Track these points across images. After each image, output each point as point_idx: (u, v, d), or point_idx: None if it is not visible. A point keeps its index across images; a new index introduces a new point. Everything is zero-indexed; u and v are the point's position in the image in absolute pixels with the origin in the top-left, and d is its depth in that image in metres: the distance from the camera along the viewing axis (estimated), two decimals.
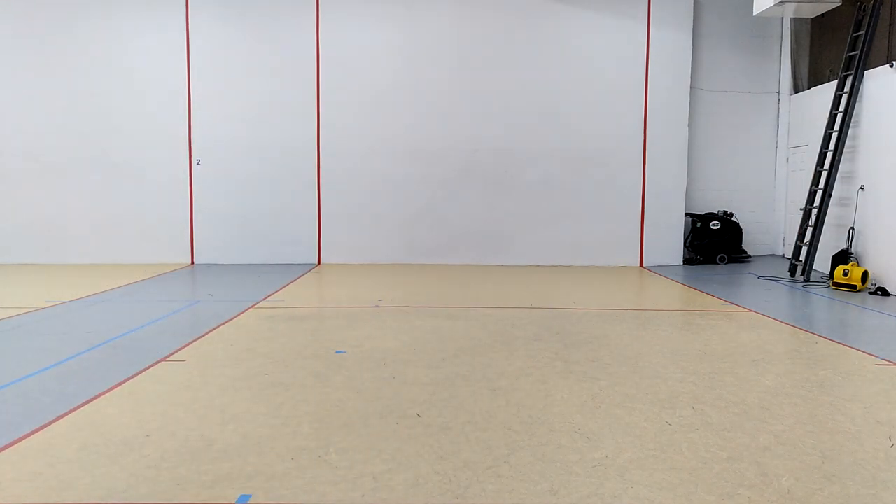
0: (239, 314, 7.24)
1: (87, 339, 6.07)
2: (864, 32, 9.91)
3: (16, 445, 3.61)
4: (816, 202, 10.41)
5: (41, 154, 11.85)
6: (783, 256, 12.63)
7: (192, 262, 11.87)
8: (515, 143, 12.04)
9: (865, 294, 8.92)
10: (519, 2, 11.93)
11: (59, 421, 3.97)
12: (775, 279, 10.27)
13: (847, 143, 10.05)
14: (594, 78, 11.97)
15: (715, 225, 12.20)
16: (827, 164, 10.30)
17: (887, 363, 5.40)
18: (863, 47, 9.89)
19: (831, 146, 10.28)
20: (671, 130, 12.10)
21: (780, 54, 12.76)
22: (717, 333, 6.49)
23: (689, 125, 12.24)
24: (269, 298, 8.28)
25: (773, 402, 4.38)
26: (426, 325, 6.80)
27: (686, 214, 12.38)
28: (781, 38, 12.72)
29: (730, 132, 12.76)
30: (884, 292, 8.82)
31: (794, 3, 10.22)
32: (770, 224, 13.06)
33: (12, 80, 11.77)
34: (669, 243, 12.20)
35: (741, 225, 12.46)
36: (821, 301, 8.58)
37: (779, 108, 12.84)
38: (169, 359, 5.40)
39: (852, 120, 9.99)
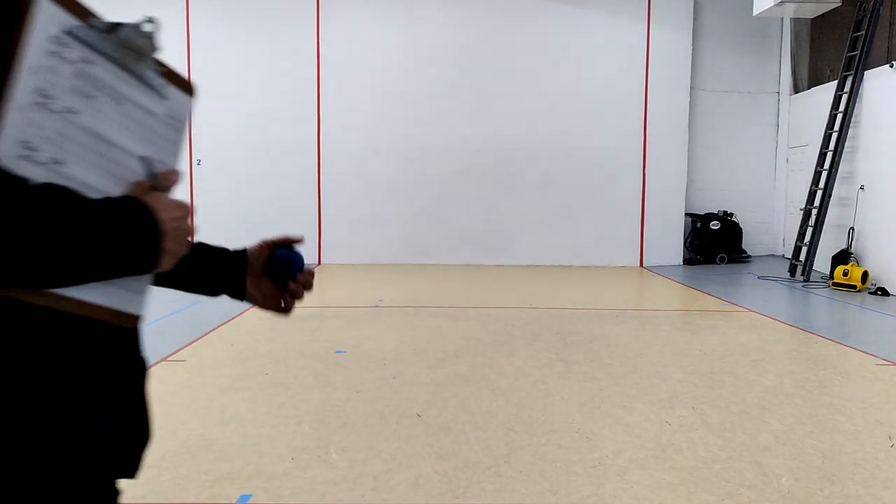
0: (239, 314, 7.24)
1: None
2: (864, 32, 9.91)
3: None
4: (816, 202, 10.41)
5: None
6: (783, 256, 12.63)
7: None
8: (515, 143, 12.04)
9: (865, 294, 8.92)
10: (519, 2, 11.93)
11: None
12: (775, 279, 10.27)
13: (847, 144, 10.05)
14: (594, 78, 11.97)
15: (715, 225, 12.20)
16: (827, 165, 10.30)
17: (887, 363, 5.40)
18: (863, 47, 9.89)
19: (831, 146, 10.28)
20: (671, 130, 12.10)
21: (780, 54, 12.76)
22: (716, 333, 6.49)
23: (688, 125, 12.24)
24: None
25: (772, 402, 4.38)
26: (426, 325, 6.80)
27: (686, 214, 12.38)
28: (781, 38, 12.72)
29: (730, 132, 12.76)
30: (884, 292, 8.82)
31: (794, 4, 10.22)
32: (770, 224, 13.06)
33: None
34: (669, 243, 12.20)
35: (741, 225, 12.46)
36: (821, 301, 8.58)
37: (779, 109, 12.84)
38: (169, 359, 5.40)
39: (852, 120, 9.99)
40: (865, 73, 9.87)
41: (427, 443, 3.65)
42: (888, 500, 3.02)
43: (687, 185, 12.37)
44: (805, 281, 10.01)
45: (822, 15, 11.26)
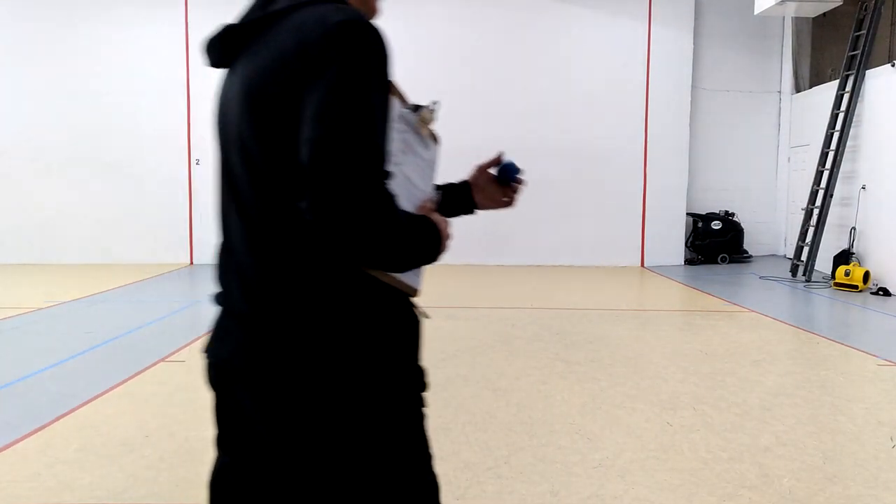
0: None
1: (86, 339, 6.06)
2: (865, 32, 9.89)
3: (15, 446, 3.59)
4: (818, 202, 10.39)
5: (40, 153, 11.84)
6: (784, 256, 12.61)
7: (192, 262, 11.86)
8: (516, 143, 11.99)
9: (867, 294, 8.90)
10: (520, 1, 11.91)
11: (59, 421, 3.96)
12: (777, 279, 10.25)
13: (848, 143, 10.03)
14: (595, 77, 11.95)
15: (716, 225, 12.18)
16: (828, 164, 10.28)
17: (888, 363, 5.38)
18: (864, 47, 9.87)
19: (833, 146, 10.26)
20: (672, 130, 12.08)
21: (782, 53, 12.74)
22: (718, 334, 6.48)
23: (690, 124, 12.22)
24: None
25: (774, 403, 4.36)
26: (426, 324, 6.77)
27: (687, 214, 12.36)
28: (783, 37, 12.70)
29: (731, 132, 12.73)
30: (885, 292, 8.79)
31: (795, 3, 10.19)
32: (771, 224, 13.04)
33: (12, 79, 11.77)
34: (670, 243, 12.18)
35: (742, 225, 12.43)
36: (822, 301, 8.57)
37: (780, 108, 12.82)
38: (168, 359, 5.39)
39: (854, 119, 9.97)
40: (867, 72, 9.85)
41: None
42: (890, 501, 3.01)
43: (688, 184, 12.34)
44: (806, 281, 9.99)
45: (824, 14, 11.24)
